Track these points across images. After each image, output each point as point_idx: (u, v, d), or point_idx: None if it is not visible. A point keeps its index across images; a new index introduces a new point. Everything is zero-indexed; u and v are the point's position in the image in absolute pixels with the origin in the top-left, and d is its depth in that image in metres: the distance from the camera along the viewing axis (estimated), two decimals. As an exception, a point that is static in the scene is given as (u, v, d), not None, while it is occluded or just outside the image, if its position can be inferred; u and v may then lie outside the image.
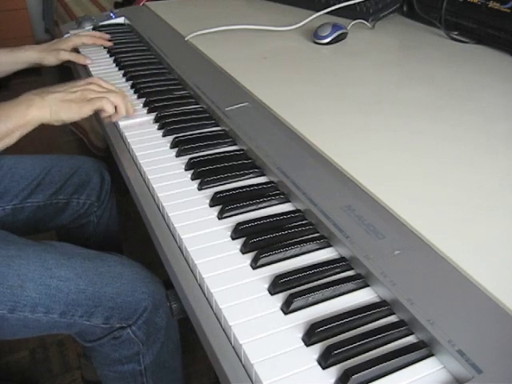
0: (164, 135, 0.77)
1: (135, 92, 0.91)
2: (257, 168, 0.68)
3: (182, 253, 0.56)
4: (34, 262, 0.72)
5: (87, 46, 1.10)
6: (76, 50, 1.10)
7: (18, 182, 0.96)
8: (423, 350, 0.43)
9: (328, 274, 0.51)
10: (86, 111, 0.75)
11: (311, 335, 0.44)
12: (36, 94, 0.74)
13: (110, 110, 0.77)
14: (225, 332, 0.47)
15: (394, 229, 0.53)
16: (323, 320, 0.45)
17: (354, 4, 1.16)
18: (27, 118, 0.71)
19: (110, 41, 1.12)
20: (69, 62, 1.04)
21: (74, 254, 0.76)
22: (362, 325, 0.45)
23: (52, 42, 1.05)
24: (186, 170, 0.69)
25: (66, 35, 1.19)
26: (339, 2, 1.16)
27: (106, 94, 0.78)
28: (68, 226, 1.06)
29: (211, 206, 0.62)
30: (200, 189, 0.65)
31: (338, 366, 0.42)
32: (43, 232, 1.05)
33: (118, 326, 0.77)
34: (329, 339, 0.44)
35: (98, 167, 1.06)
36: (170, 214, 0.60)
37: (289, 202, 0.62)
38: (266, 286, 0.50)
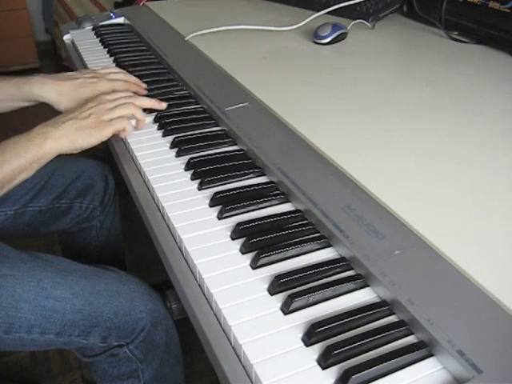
0: (164, 135, 0.77)
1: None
2: (257, 168, 0.68)
3: (182, 253, 0.56)
4: (28, 281, 0.70)
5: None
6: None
7: (21, 186, 0.93)
8: (423, 350, 0.43)
9: (328, 274, 0.51)
10: (106, 134, 0.74)
11: (311, 335, 0.44)
12: (49, 125, 0.72)
13: (131, 129, 0.77)
14: (225, 332, 0.47)
15: (394, 229, 0.53)
16: (323, 320, 0.45)
17: (354, 4, 1.16)
18: (45, 150, 0.70)
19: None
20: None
21: (70, 271, 0.74)
22: (362, 325, 0.45)
23: (75, 84, 0.85)
24: (185, 170, 0.69)
25: (66, 35, 1.20)
26: (339, 2, 1.16)
27: (119, 108, 0.76)
28: (70, 230, 1.05)
29: (211, 206, 0.62)
30: (200, 189, 0.65)
31: (338, 366, 0.42)
32: (44, 235, 1.04)
33: (116, 344, 0.76)
34: (329, 339, 0.44)
35: (102, 171, 1.05)
36: (169, 214, 0.60)
37: (289, 202, 0.62)
38: (266, 286, 0.50)
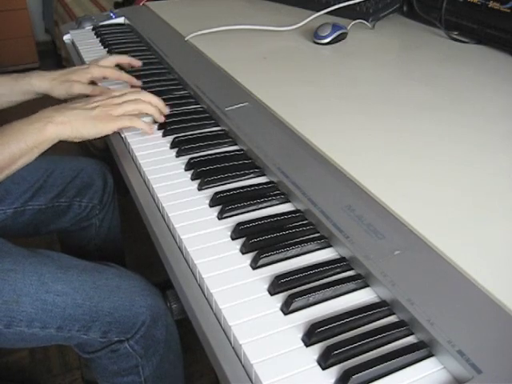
0: (164, 135, 0.77)
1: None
2: (257, 168, 0.68)
3: (182, 253, 0.56)
4: (29, 276, 0.71)
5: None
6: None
7: (20, 184, 0.94)
8: (423, 350, 0.43)
9: (328, 274, 0.51)
10: (110, 128, 0.73)
11: (311, 335, 0.44)
12: (55, 110, 0.71)
13: (141, 125, 0.75)
14: (225, 332, 0.47)
15: (393, 229, 0.53)
16: (323, 320, 0.45)
17: (354, 4, 1.16)
18: (46, 135, 0.68)
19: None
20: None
21: (70, 267, 0.75)
22: (362, 325, 0.45)
23: (67, 70, 0.90)
24: (186, 170, 0.69)
25: (66, 35, 1.20)
26: (339, 2, 1.16)
27: (127, 104, 0.75)
28: (69, 229, 1.05)
29: (211, 206, 0.62)
30: (200, 189, 0.65)
31: (338, 366, 0.42)
32: (44, 234, 1.04)
33: (116, 339, 0.76)
34: (329, 339, 0.44)
35: (100, 169, 1.05)
36: (169, 215, 0.60)
37: (289, 202, 0.62)
38: (266, 286, 0.50)
